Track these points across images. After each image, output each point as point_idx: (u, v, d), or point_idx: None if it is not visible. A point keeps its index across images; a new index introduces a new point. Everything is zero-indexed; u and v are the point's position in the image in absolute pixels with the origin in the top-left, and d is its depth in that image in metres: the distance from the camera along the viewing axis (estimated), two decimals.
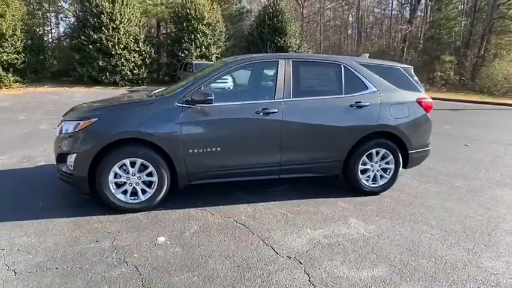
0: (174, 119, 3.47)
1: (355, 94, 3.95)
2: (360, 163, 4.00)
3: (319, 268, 2.64)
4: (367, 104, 3.93)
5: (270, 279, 2.50)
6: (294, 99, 3.77)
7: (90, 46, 18.86)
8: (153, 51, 21.09)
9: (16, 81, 18.28)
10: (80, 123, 3.42)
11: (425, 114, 4.18)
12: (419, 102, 4.14)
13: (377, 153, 4.05)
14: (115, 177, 3.45)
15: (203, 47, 21.29)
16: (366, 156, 4.02)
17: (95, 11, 18.78)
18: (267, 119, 3.65)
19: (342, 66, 3.98)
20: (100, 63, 19.15)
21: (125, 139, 3.42)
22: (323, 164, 3.96)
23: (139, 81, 20.56)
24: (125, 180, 3.48)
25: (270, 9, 22.89)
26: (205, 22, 21.26)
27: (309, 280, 2.50)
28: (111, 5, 19.00)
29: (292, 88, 3.79)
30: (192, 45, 20.77)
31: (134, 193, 3.53)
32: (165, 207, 3.65)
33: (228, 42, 24.72)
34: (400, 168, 4.16)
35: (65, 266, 2.59)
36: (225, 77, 4.18)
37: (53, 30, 24.33)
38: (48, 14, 23.98)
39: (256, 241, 3.03)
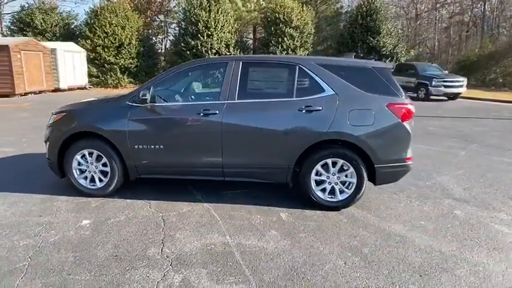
0: (123, 117, 3.81)
1: (306, 97, 3.62)
2: (313, 173, 3.65)
3: (180, 274, 2.60)
4: (319, 108, 3.56)
5: (126, 276, 2.58)
6: (237, 101, 3.69)
7: (188, 52, 21.03)
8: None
9: (130, 82, 21.69)
10: (54, 116, 4.07)
11: (399, 123, 3.55)
12: (390, 107, 3.54)
13: (334, 163, 3.63)
14: (78, 164, 3.98)
15: (289, 49, 21.46)
16: (322, 166, 3.64)
17: (193, 19, 20.88)
18: (207, 120, 3.67)
19: (297, 67, 3.70)
20: None
21: (86, 132, 3.91)
22: (268, 170, 3.75)
23: None
24: (85, 168, 3.98)
25: (364, 8, 21.66)
26: (293, 25, 21.40)
27: (158, 282, 2.50)
28: (207, 14, 20.82)
29: (237, 90, 3.71)
30: (278, 48, 21.17)
31: (93, 180, 4.00)
32: (120, 195, 4.02)
33: (323, 44, 24.29)
34: (365, 183, 3.63)
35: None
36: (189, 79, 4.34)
37: (165, 39, 27.78)
38: (162, 24, 27.59)
39: (158, 237, 3.13)
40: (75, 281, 2.50)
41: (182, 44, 21.15)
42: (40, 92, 16.87)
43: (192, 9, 20.86)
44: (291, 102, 3.63)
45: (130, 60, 21.36)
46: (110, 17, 20.54)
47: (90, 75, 20.70)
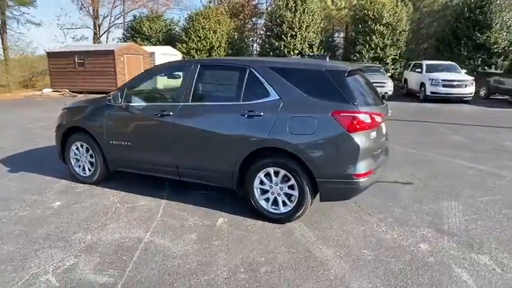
0: (101, 114, 4.27)
1: (252, 102, 3.48)
2: (257, 181, 3.50)
3: (76, 259, 2.86)
4: (261, 113, 3.39)
5: (38, 253, 2.97)
6: (190, 103, 3.77)
7: (271, 53, 21.46)
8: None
9: None
10: (61, 112, 4.80)
11: (344, 133, 3.12)
12: (335, 116, 3.13)
13: (276, 173, 3.41)
14: (74, 154, 4.63)
15: (378, 48, 19.95)
16: (265, 175, 3.46)
17: (278, 21, 21.20)
18: (163, 120, 3.85)
19: (248, 70, 3.57)
20: None
21: (80, 128, 4.50)
22: (215, 174, 3.73)
23: None
24: (78, 157, 4.60)
25: None
26: (383, 22, 19.81)
27: (55, 263, 2.81)
28: (292, 15, 20.88)
29: (192, 92, 3.79)
30: (365, 47, 19.92)
31: (84, 169, 4.60)
32: (104, 184, 4.52)
33: (423, 42, 21.82)
34: (308, 198, 3.31)
35: None
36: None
37: (256, 41, 28.81)
38: (255, 27, 28.69)
39: (94, 225, 3.46)
40: (2, 249, 2.99)
41: (267, 46, 21.69)
42: None
43: (277, 11, 21.19)
44: (237, 106, 3.54)
45: None
46: (203, 22, 22.37)
47: None
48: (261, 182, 3.50)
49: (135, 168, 4.26)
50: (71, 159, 4.64)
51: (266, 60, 3.75)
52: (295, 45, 20.81)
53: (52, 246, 3.05)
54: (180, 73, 4.05)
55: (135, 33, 24.18)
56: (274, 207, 3.49)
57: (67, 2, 40.13)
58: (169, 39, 23.83)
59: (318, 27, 21.37)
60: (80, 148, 4.54)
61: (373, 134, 3.26)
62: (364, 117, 3.12)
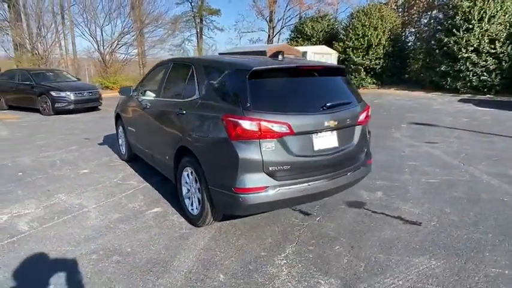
0: (126, 105, 5.14)
1: (185, 99, 3.49)
2: (182, 179, 3.54)
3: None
4: (183, 112, 3.37)
5: None
6: (159, 98, 4.09)
7: (437, 51, 18.34)
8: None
9: (373, 83, 21.76)
10: None
11: (226, 140, 2.75)
12: (224, 120, 2.79)
13: (191, 173, 3.35)
14: (118, 136, 5.73)
15: None
16: (188, 174, 3.45)
17: (451, 12, 17.81)
18: (145, 112, 4.33)
19: (191, 68, 3.56)
20: (443, 68, 18.19)
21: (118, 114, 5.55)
22: (163, 166, 3.94)
23: (487, 89, 17.28)
24: (120, 139, 5.66)
25: None
26: None
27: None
28: (471, 3, 17.11)
29: (162, 88, 4.11)
30: None
31: (121, 149, 5.63)
32: (132, 165, 5.42)
33: None
34: (207, 204, 3.11)
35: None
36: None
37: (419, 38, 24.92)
38: (431, 21, 24.86)
39: (73, 192, 4.33)
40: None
41: (432, 42, 18.66)
42: None
43: (451, 1, 17.82)
44: (175, 103, 3.62)
45: (376, 61, 21.29)
46: (364, 19, 21.24)
47: None
48: (186, 181, 3.48)
49: (139, 153, 4.91)
50: (118, 140, 5.75)
51: (210, 57, 3.62)
52: (469, 41, 17.03)
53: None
54: None
55: (298, 34, 25.43)
56: (191, 208, 3.42)
57: (245, 9, 46.95)
58: (330, 39, 23.83)
59: (509, 16, 16.70)
60: (120, 131, 5.58)
61: (270, 145, 2.71)
62: (249, 125, 2.66)
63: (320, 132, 2.94)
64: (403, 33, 22.72)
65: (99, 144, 6.77)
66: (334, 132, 3.05)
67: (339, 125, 3.00)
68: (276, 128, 2.70)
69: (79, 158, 5.77)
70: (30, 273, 2.64)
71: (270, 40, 30.93)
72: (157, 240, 3.13)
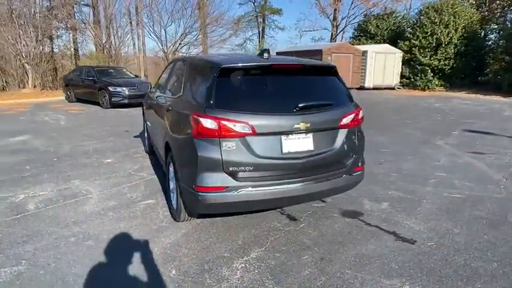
0: (146, 100, 5.43)
1: (173, 96, 3.59)
2: (170, 173, 3.61)
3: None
4: (170, 108, 3.45)
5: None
6: (163, 94, 4.23)
7: None
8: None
9: (441, 85, 19.91)
10: None
11: (189, 138, 2.78)
12: (192, 117, 2.79)
13: (173, 169, 3.42)
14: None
15: None
16: (172, 169, 3.53)
17: None
18: (152, 107, 4.53)
19: (185, 66, 3.62)
20: None
21: None
22: (161, 162, 4.07)
23: None
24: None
25: None
26: None
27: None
28: None
29: (165, 85, 4.26)
30: None
31: (145, 143, 5.97)
32: (151, 157, 5.73)
33: None
34: (180, 200, 3.16)
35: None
36: None
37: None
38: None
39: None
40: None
41: None
42: None
43: None
44: (167, 100, 3.72)
45: (446, 61, 19.43)
46: (433, 15, 19.51)
47: (402, 76, 21.13)
48: (171, 176, 3.56)
49: (154, 146, 5.13)
50: (144, 133, 6.11)
51: (197, 56, 3.64)
52: None
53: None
54: None
55: (361, 32, 24.30)
56: (173, 203, 3.49)
57: (307, 8, 46.30)
58: (395, 37, 22.34)
59: None
60: (144, 125, 5.92)
61: (230, 144, 2.64)
62: (209, 123, 2.63)
63: (290, 134, 2.77)
64: (482, 31, 20.30)
65: (135, 136, 7.24)
66: (310, 135, 2.85)
67: (312, 127, 2.80)
68: (237, 127, 2.62)
69: (110, 149, 6.24)
70: (14, 247, 2.93)
71: (333, 39, 30.05)
72: (134, 230, 3.25)
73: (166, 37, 20.55)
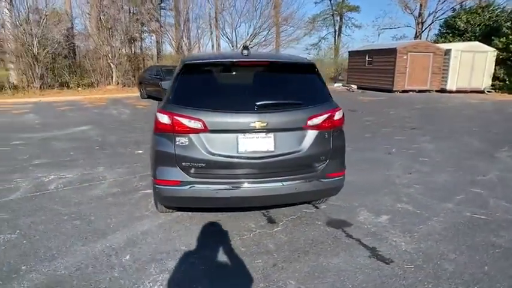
0: None
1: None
2: None
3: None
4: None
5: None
6: None
7: None
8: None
9: None
10: None
11: (153, 133, 2.87)
12: (156, 114, 2.91)
13: None
14: None
15: None
16: None
17: None
18: None
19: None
20: None
21: None
22: None
23: None
24: None
25: None
26: None
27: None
28: None
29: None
30: None
31: None
32: None
33: None
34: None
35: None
36: None
37: None
38: None
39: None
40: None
41: None
42: (421, 91, 18.06)
43: None
44: None
45: None
46: None
47: (495, 78, 18.51)
48: None
49: None
50: None
51: (191, 54, 3.69)
52: None
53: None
54: None
55: (447, 29, 21.85)
56: None
57: (386, 4, 42.37)
58: (489, 33, 19.59)
59: None
60: None
61: (183, 140, 2.68)
62: (165, 119, 2.71)
63: (248, 133, 2.69)
64: None
65: None
66: (271, 135, 2.73)
67: (271, 127, 2.67)
68: (189, 123, 2.65)
69: (148, 141, 6.74)
70: (19, 219, 3.40)
71: (417, 36, 27.66)
72: (120, 216, 3.50)
73: (236, 38, 21.28)
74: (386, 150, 6.20)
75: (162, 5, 21.03)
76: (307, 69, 2.99)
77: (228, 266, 2.67)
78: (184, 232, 3.18)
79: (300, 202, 3.58)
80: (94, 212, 3.57)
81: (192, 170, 2.73)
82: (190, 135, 2.67)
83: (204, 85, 2.87)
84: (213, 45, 24.01)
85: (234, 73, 2.91)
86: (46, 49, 15.00)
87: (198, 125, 2.64)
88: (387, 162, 5.45)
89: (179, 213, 3.53)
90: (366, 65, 19.79)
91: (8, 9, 14.90)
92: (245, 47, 3.12)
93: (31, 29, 14.58)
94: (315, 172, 2.88)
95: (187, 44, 19.61)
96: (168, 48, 21.71)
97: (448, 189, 4.26)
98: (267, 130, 2.69)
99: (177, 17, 21.92)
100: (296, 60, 3.08)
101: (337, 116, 2.88)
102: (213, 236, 3.12)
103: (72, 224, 3.31)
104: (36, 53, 14.65)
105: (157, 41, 23.56)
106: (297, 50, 25.64)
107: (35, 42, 14.51)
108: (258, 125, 2.64)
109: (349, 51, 22.20)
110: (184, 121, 2.65)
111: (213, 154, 2.69)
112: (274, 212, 3.58)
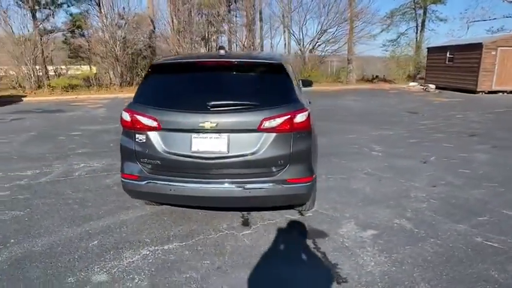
0: None
1: None
2: None
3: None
4: None
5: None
6: None
7: None
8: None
9: None
10: None
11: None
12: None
13: None
14: None
15: None
16: None
17: None
18: None
19: None
20: None
21: None
22: None
23: None
24: None
25: None
26: None
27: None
28: None
29: None
30: None
31: None
32: None
33: None
34: None
35: None
36: None
37: None
38: None
39: None
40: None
41: None
42: None
43: None
44: None
45: None
46: None
47: None
48: None
49: None
50: None
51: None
52: None
53: None
54: None
55: None
56: None
57: None
58: None
59: None
60: None
61: (141, 137, 2.79)
62: (127, 116, 2.85)
63: (201, 132, 2.68)
64: None
65: None
66: (224, 136, 2.67)
67: (222, 127, 2.62)
68: (146, 121, 2.74)
69: None
70: (36, 199, 3.91)
71: None
72: (113, 204, 3.79)
73: (303, 36, 20.95)
74: (424, 158, 5.53)
75: (232, 6, 21.75)
76: (274, 69, 2.84)
77: (176, 264, 2.70)
78: (157, 226, 3.31)
79: (281, 207, 3.44)
80: (95, 199, 3.93)
81: (149, 167, 2.84)
82: (147, 132, 2.77)
83: (165, 85, 2.94)
84: (285, 44, 24.11)
85: (196, 74, 2.92)
86: (126, 50, 16.76)
87: (153, 123, 2.73)
88: (416, 171, 4.86)
89: (164, 207, 3.68)
90: (446, 62, 17.73)
91: (97, 16, 17.04)
92: (221, 47, 3.10)
93: (115, 32, 16.44)
94: (272, 176, 2.74)
95: (254, 44, 20.01)
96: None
97: (471, 209, 3.65)
98: (218, 131, 2.65)
99: (248, 17, 22.46)
100: (262, 60, 2.94)
101: (299, 118, 2.68)
102: (180, 233, 3.18)
103: (71, 208, 3.70)
104: (118, 54, 16.46)
105: (228, 41, 24.45)
106: (372, 46, 24.12)
107: (117, 44, 16.33)
108: (207, 125, 2.61)
109: (427, 48, 20.11)
110: (142, 119, 2.76)
111: (168, 152, 2.75)
112: (253, 214, 3.50)
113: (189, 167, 2.75)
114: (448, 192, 4.09)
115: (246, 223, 3.35)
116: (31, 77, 15.62)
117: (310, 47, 20.93)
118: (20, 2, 16.09)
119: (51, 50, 16.19)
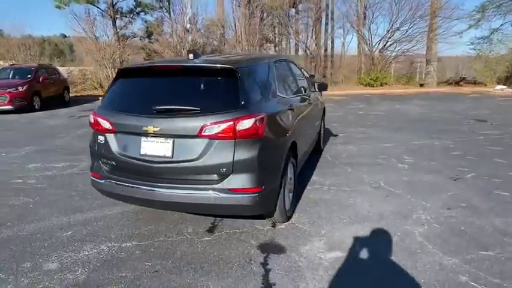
0: None
1: None
2: None
3: None
4: None
5: None
6: None
7: None
8: None
9: None
10: None
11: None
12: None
13: None
14: None
15: None
16: None
17: None
18: None
19: None
20: None
21: None
22: None
23: None
24: None
25: None
26: None
27: None
28: None
29: None
30: None
31: None
32: None
33: None
34: None
35: None
36: None
37: None
38: None
39: None
40: None
41: None
42: None
43: None
44: None
45: None
46: None
47: None
48: None
49: None
50: None
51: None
52: None
53: None
54: None
55: None
56: None
57: None
58: None
59: None
60: None
61: (101, 138, 2.95)
62: (91, 118, 3.04)
63: (149, 136, 2.72)
64: None
65: None
66: (170, 141, 2.68)
67: (164, 132, 2.64)
68: (103, 124, 2.89)
69: None
70: (48, 189, 4.40)
71: None
72: (105, 199, 3.99)
73: (371, 36, 19.73)
74: (459, 174, 4.78)
75: (295, 9, 21.53)
76: (225, 74, 2.73)
77: (120, 262, 2.79)
78: (130, 223, 3.46)
79: (255, 216, 3.30)
80: (96, 192, 4.22)
81: (108, 167, 2.98)
82: (106, 134, 2.92)
83: (124, 89, 3.04)
84: (358, 44, 23.06)
85: (150, 78, 2.98)
86: None
87: (107, 125, 2.87)
88: (436, 189, 4.24)
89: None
90: None
91: (168, 22, 18.45)
92: (190, 51, 3.11)
93: (183, 37, 17.58)
94: (215, 184, 2.65)
95: (316, 45, 19.54)
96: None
97: (479, 240, 3.05)
98: (163, 135, 2.67)
99: (314, 19, 22.01)
100: (213, 65, 2.83)
101: (243, 125, 2.54)
102: (145, 232, 3.27)
103: (72, 200, 4.08)
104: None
105: (297, 42, 24.27)
106: (458, 44, 21.52)
107: (184, 48, 17.42)
108: (150, 129, 2.65)
109: (510, 48, 17.29)
110: (101, 121, 2.91)
111: (121, 154, 2.85)
112: (225, 221, 3.43)
113: (139, 169, 2.82)
114: (461, 217, 3.49)
115: (211, 229, 3.31)
116: (110, 79, 17.59)
117: (380, 46, 19.61)
118: (103, 12, 18.28)
119: (128, 55, 17.97)
